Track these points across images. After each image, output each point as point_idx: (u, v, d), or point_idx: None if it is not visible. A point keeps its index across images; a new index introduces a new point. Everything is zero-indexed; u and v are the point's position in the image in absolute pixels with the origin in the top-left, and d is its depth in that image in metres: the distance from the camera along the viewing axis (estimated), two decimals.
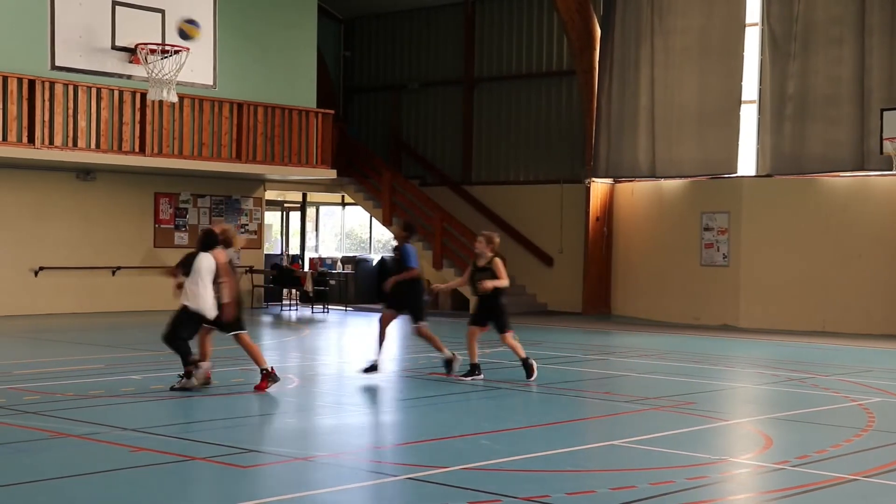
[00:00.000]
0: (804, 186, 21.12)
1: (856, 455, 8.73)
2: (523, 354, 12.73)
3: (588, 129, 23.94)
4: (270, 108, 23.22)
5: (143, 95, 20.10)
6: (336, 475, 8.01)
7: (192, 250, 11.82)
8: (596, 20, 23.79)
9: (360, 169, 26.03)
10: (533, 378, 12.57)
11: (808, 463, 8.35)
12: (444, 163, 27.28)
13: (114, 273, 22.70)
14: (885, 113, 19.00)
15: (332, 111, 24.73)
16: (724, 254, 21.74)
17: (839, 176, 20.83)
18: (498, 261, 12.74)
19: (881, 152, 19.04)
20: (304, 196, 27.84)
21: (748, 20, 21.78)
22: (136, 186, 22.97)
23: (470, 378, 12.61)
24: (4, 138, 19.39)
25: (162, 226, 23.43)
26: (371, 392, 12.16)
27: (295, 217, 28.73)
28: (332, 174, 24.34)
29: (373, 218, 27.08)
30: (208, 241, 11.58)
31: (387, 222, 25.44)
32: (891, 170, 19.01)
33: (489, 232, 13.21)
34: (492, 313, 12.79)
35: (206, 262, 11.42)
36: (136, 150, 21.14)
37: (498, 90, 26.36)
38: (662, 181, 22.90)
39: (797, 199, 21.17)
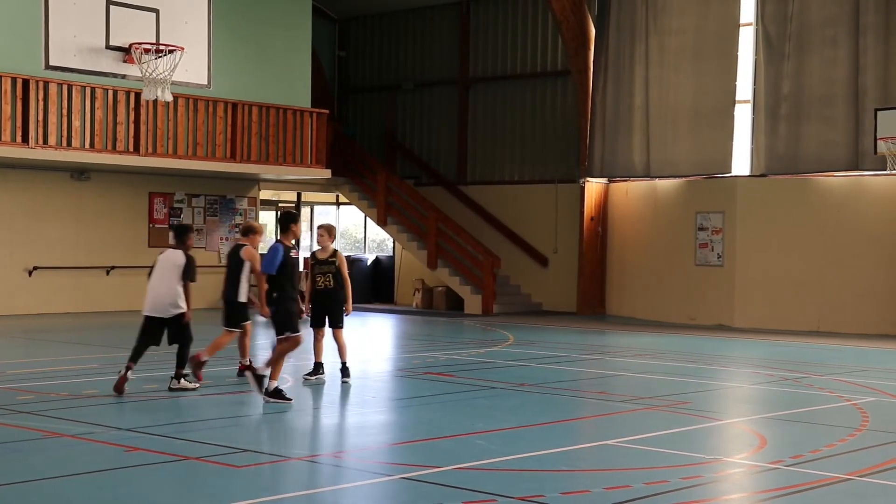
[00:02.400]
0: (799, 186, 21.14)
1: (850, 455, 8.74)
2: (321, 359, 12.43)
3: (583, 128, 23.96)
4: (265, 107, 23.21)
5: (138, 95, 20.06)
6: (331, 475, 8.00)
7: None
8: (591, 20, 23.81)
9: (354, 169, 26.02)
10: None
11: (803, 462, 8.36)
12: (438, 163, 27.29)
13: (108, 273, 22.67)
14: (879, 113, 18.99)
15: (326, 111, 24.73)
16: (718, 253, 21.75)
17: (834, 176, 20.85)
18: (342, 255, 12.50)
19: (875, 152, 19.03)
20: (299, 196, 27.81)
21: (742, 20, 21.80)
22: (131, 186, 22.94)
23: (314, 377, 12.38)
24: None
25: (156, 225, 23.40)
26: (366, 392, 12.15)
27: None
28: (326, 174, 24.34)
29: (367, 218, 27.07)
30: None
31: (382, 222, 25.44)
32: (885, 170, 19.03)
33: (329, 223, 12.71)
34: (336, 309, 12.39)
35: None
36: (131, 149, 21.11)
37: (493, 90, 26.36)
38: (657, 181, 22.92)
39: (792, 199, 21.19)
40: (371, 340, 18.87)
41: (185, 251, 11.58)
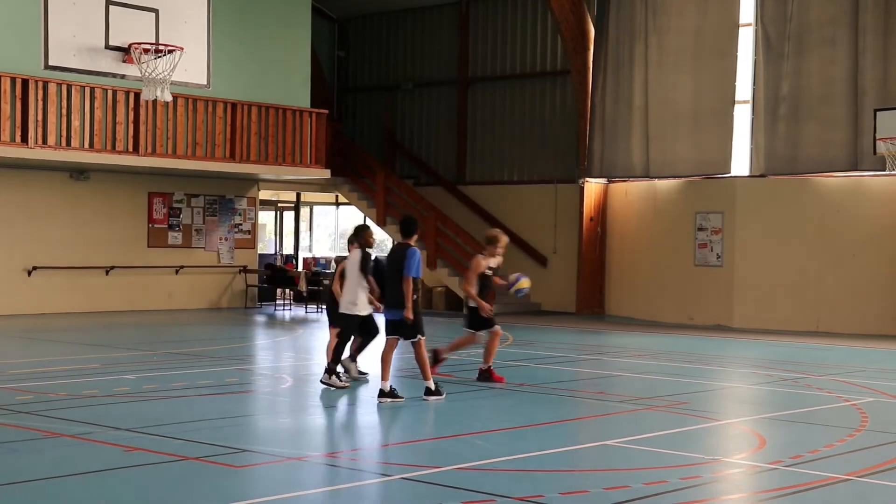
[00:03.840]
0: (798, 187, 21.15)
1: (849, 455, 8.75)
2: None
3: (582, 129, 23.97)
4: (264, 107, 23.20)
5: (137, 95, 20.05)
6: (329, 475, 8.00)
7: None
8: (590, 20, 23.81)
9: (354, 169, 26.02)
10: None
11: (802, 463, 8.37)
12: (438, 162, 27.29)
13: (107, 273, 22.67)
14: (878, 113, 19.00)
15: (325, 111, 24.72)
16: (717, 254, 21.76)
17: (833, 176, 20.86)
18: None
19: (875, 152, 19.04)
20: (298, 196, 27.83)
21: (742, 20, 21.80)
22: (130, 186, 22.94)
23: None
24: None
25: (155, 225, 23.41)
26: (364, 392, 12.15)
27: (289, 217, 28.71)
28: (325, 174, 24.33)
29: (367, 218, 27.06)
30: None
31: (381, 222, 25.44)
32: (884, 170, 19.04)
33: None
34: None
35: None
36: (130, 149, 21.10)
37: (492, 90, 26.36)
38: (656, 181, 22.92)
39: (791, 199, 21.19)
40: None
41: (362, 248, 12.11)
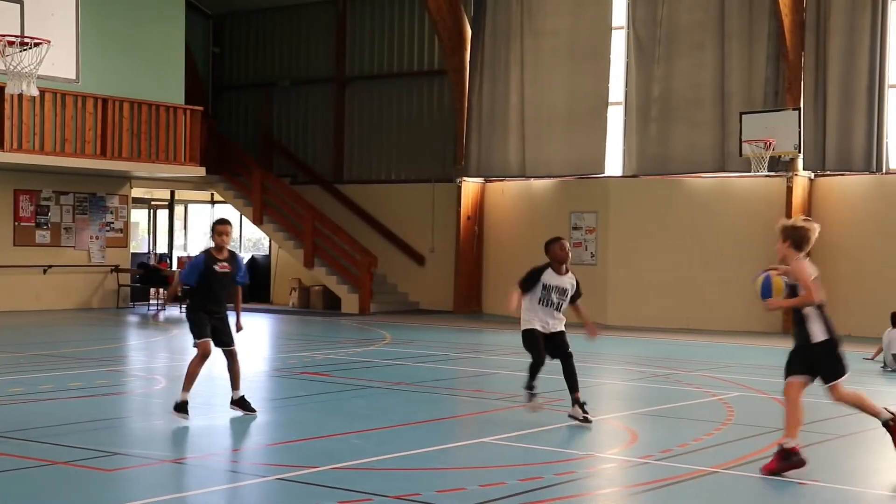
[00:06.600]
0: (668, 187, 21.66)
1: (716, 448, 9.00)
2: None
3: (459, 128, 24.11)
4: (137, 103, 22.72)
5: (2, 89, 19.41)
6: (204, 477, 7.88)
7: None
8: (467, 20, 23.97)
9: (229, 167, 25.67)
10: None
11: (672, 456, 8.57)
12: (315, 161, 27.12)
13: None
14: (743, 116, 19.67)
15: (200, 108, 24.34)
16: (592, 252, 22.13)
17: (701, 177, 21.43)
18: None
19: (740, 154, 19.71)
20: (173, 194, 27.31)
21: (615, 23, 22.23)
22: None
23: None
24: None
25: (22, 224, 22.69)
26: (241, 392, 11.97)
27: (163, 215, 28.16)
28: (200, 172, 23.96)
29: (243, 216, 26.72)
30: None
31: (257, 221, 25.16)
32: (750, 171, 19.68)
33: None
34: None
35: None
36: None
37: (370, 89, 26.32)
38: (532, 181, 23.21)
39: (662, 199, 21.69)
40: (247, 340, 18.64)
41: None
